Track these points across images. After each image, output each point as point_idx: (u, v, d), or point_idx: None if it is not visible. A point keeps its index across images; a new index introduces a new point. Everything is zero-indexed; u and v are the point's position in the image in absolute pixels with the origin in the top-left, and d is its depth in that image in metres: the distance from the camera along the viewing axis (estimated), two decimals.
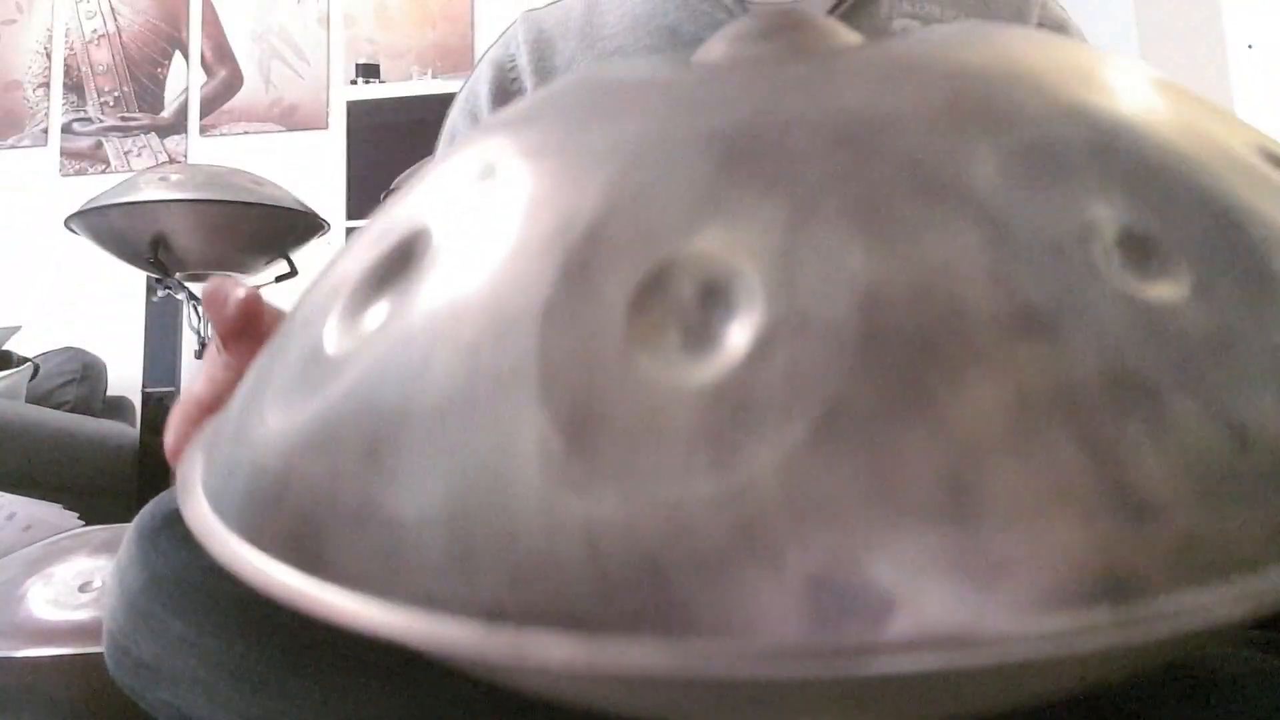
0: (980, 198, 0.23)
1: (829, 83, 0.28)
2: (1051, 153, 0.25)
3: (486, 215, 0.27)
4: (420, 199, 0.31)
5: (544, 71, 0.75)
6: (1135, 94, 0.28)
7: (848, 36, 0.34)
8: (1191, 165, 0.25)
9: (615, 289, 0.23)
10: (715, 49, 0.34)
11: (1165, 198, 0.24)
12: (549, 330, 0.23)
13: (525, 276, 0.25)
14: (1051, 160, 0.25)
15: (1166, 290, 0.23)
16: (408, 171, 2.06)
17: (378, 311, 0.28)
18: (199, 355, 2.09)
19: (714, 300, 0.23)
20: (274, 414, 0.29)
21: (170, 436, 0.40)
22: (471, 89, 0.79)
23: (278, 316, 0.40)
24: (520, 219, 0.26)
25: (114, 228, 1.94)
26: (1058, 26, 0.76)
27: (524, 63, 0.76)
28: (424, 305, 0.26)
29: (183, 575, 0.53)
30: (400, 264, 0.29)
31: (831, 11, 0.71)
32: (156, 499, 0.57)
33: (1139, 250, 0.23)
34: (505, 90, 0.77)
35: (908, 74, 0.28)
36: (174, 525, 0.55)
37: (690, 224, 0.24)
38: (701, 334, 0.22)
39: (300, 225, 2.06)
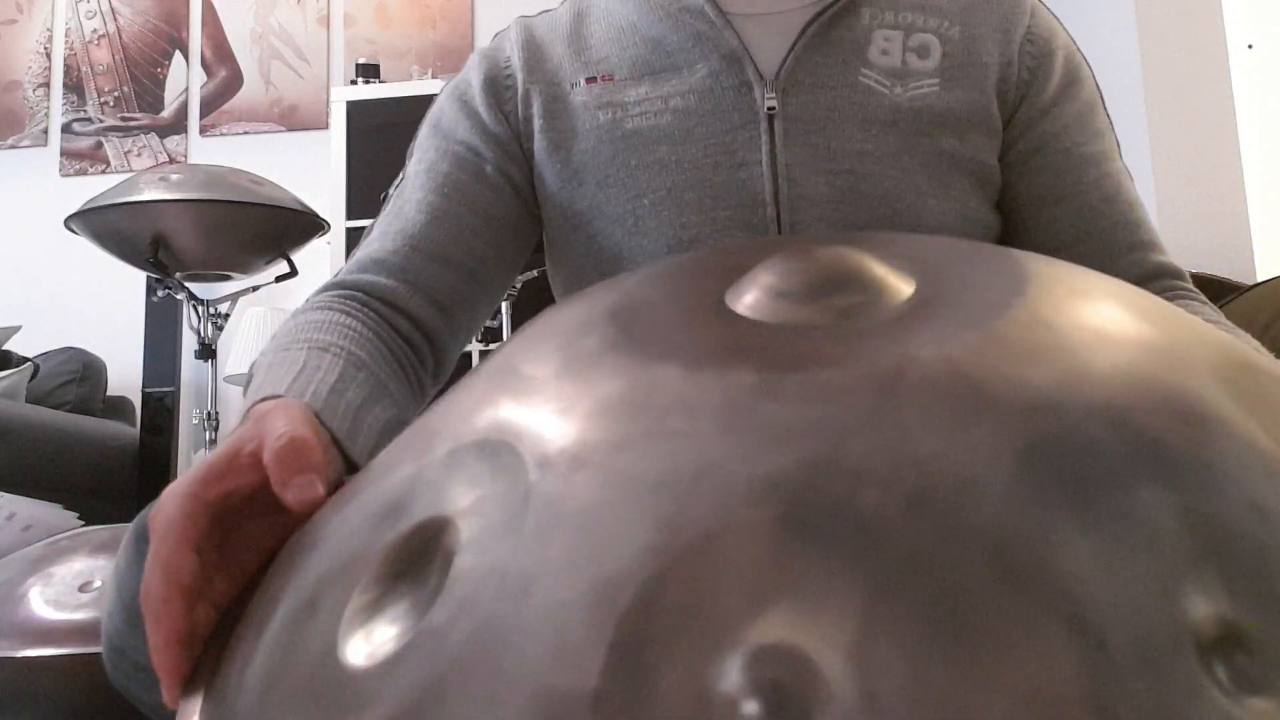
0: (1069, 590, 0.21)
1: (894, 413, 0.25)
2: (1141, 525, 0.22)
3: (521, 535, 0.24)
4: (439, 468, 0.28)
5: (536, 73, 0.78)
6: (1205, 418, 0.26)
7: (896, 288, 0.30)
8: (1272, 534, 0.23)
9: (674, 685, 0.20)
10: (754, 298, 0.30)
11: (1253, 577, 0.22)
12: None
13: (571, 648, 0.22)
14: (1141, 534, 0.22)
15: (1263, 705, 0.21)
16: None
17: (397, 620, 0.26)
18: (199, 355, 2.09)
19: (785, 709, 0.20)
20: None
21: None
22: (463, 77, 0.82)
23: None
24: (562, 556, 0.23)
25: (114, 228, 1.94)
26: (1047, 37, 0.76)
27: (518, 61, 0.79)
28: (455, 649, 0.23)
29: None
30: (421, 560, 0.26)
31: (814, 20, 0.73)
32: (155, 500, 0.57)
33: (1236, 654, 0.21)
34: (498, 82, 0.79)
35: (977, 407, 0.25)
36: None
37: (755, 603, 0.21)
38: None
39: (300, 225, 2.06)
